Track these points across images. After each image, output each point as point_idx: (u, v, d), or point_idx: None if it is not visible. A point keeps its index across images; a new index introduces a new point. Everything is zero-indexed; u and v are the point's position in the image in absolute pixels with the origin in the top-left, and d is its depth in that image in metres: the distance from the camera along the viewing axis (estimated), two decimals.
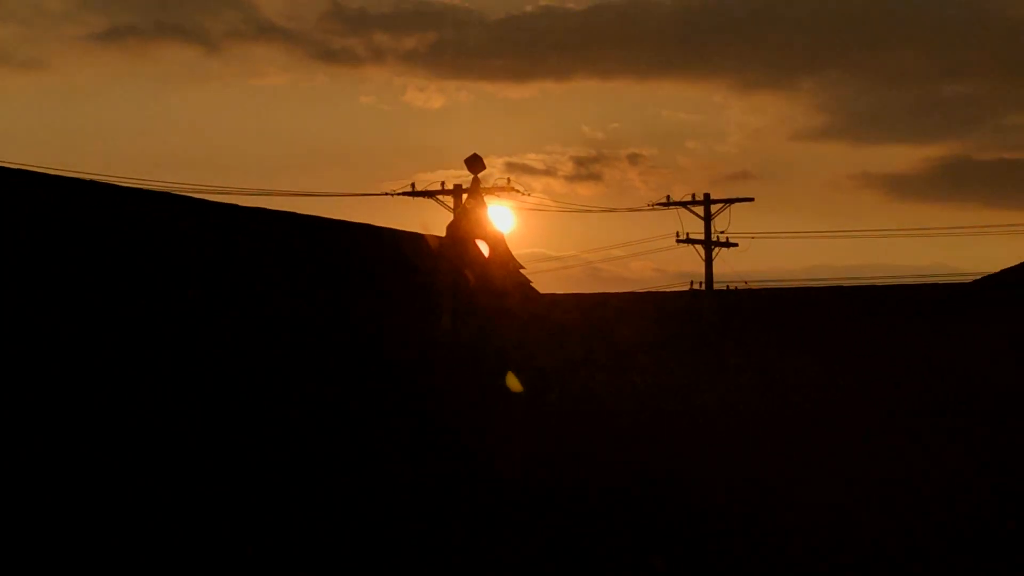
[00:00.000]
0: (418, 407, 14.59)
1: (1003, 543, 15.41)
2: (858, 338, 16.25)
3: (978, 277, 23.85)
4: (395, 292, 15.24)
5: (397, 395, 14.53)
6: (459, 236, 15.78)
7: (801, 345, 16.72)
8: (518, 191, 37.70)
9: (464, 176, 17.91)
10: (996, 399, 16.52)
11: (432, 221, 34.51)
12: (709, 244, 49.14)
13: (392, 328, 14.70)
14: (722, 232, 50.58)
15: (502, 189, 40.61)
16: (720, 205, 50.37)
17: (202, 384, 13.93)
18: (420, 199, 44.19)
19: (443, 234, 16.13)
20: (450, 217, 17.53)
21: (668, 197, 51.99)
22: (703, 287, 47.21)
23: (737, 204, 51.35)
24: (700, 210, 50.18)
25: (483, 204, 16.20)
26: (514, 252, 16.51)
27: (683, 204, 50.15)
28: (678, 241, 50.64)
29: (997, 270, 25.76)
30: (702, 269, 50.31)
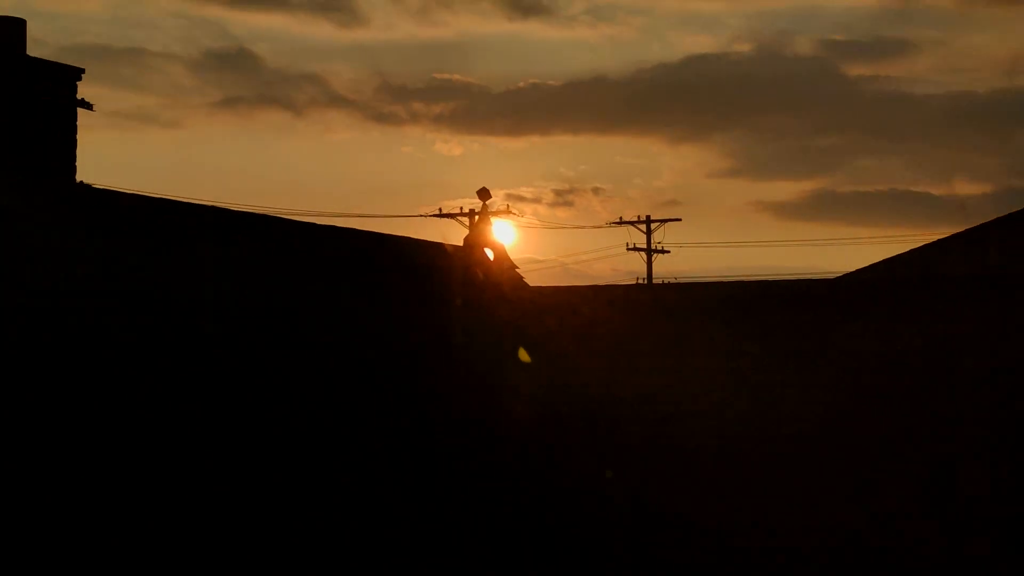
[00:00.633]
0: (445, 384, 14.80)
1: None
2: (754, 319, 15.58)
3: (840, 275, 24.73)
4: (425, 285, 15.47)
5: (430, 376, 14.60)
6: (472, 245, 16.56)
7: (711, 323, 15.72)
8: (514, 213, 40.31)
9: (476, 203, 17.93)
10: (857, 364, 15.20)
11: (454, 235, 35.73)
12: (650, 251, 52.29)
13: (421, 311, 15.02)
14: (659, 243, 54.12)
15: (503, 212, 43.35)
16: (657, 224, 54.07)
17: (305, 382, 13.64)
18: (445, 220, 47.26)
19: (461, 244, 16.94)
20: (466, 232, 18.21)
21: (620, 218, 55.61)
22: (646, 282, 49.80)
23: (669, 223, 55.14)
24: (643, 227, 53.53)
25: (489, 223, 16.97)
26: (511, 256, 17.07)
27: (631, 223, 53.92)
28: (628, 249, 54.14)
29: (854, 269, 26.81)
30: (644, 269, 53.17)
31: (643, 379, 14.93)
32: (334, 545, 12.67)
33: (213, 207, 15.10)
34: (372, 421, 14.03)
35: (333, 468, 13.32)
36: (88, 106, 14.08)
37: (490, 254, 16.49)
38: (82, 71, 14.09)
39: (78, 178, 13.92)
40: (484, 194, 16.56)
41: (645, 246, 56.34)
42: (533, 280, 17.23)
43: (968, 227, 25.28)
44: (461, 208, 49.08)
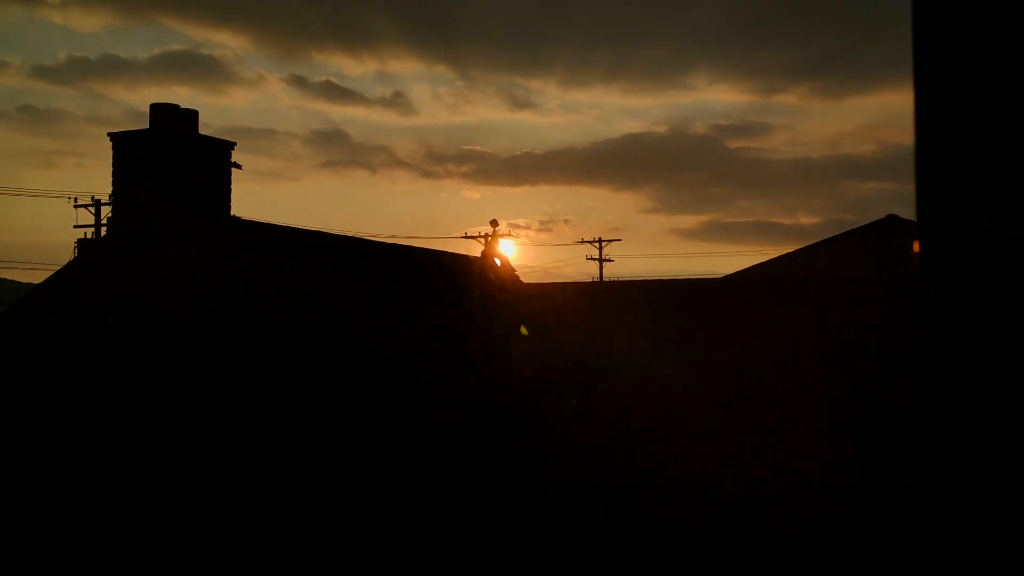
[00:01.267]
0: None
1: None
2: (669, 305, 15.14)
3: (725, 275, 24.63)
4: (457, 281, 15.27)
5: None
6: (487, 256, 16.78)
7: (641, 308, 15.07)
8: (513, 236, 41.61)
9: (488, 229, 17.89)
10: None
11: (475, 250, 35.80)
12: (601, 261, 53.02)
13: (451, 304, 14.88)
14: (607, 256, 54.54)
15: (506, 235, 44.97)
16: (606, 243, 54.62)
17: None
18: (469, 240, 48.58)
19: (479, 255, 17.10)
20: (482, 247, 18.29)
21: (582, 239, 56.26)
22: (599, 280, 50.63)
23: (614, 242, 55.99)
24: (597, 245, 54.21)
25: (497, 242, 17.58)
26: (511, 263, 17.16)
27: (589, 242, 54.67)
28: (587, 259, 54.61)
29: (733, 271, 26.99)
30: (597, 272, 53.93)
31: (598, 345, 14.66)
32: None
33: (319, 232, 15.20)
34: (425, 378, 13.27)
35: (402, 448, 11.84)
36: (238, 166, 14.13)
37: (498, 262, 16.64)
38: (234, 144, 14.16)
39: (232, 213, 14.07)
40: (494, 223, 17.15)
41: (598, 257, 57.86)
42: (526, 279, 17.29)
43: (806, 244, 25.60)
44: (479, 232, 51.64)
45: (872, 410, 12.29)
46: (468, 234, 54.77)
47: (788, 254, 25.03)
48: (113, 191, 13.48)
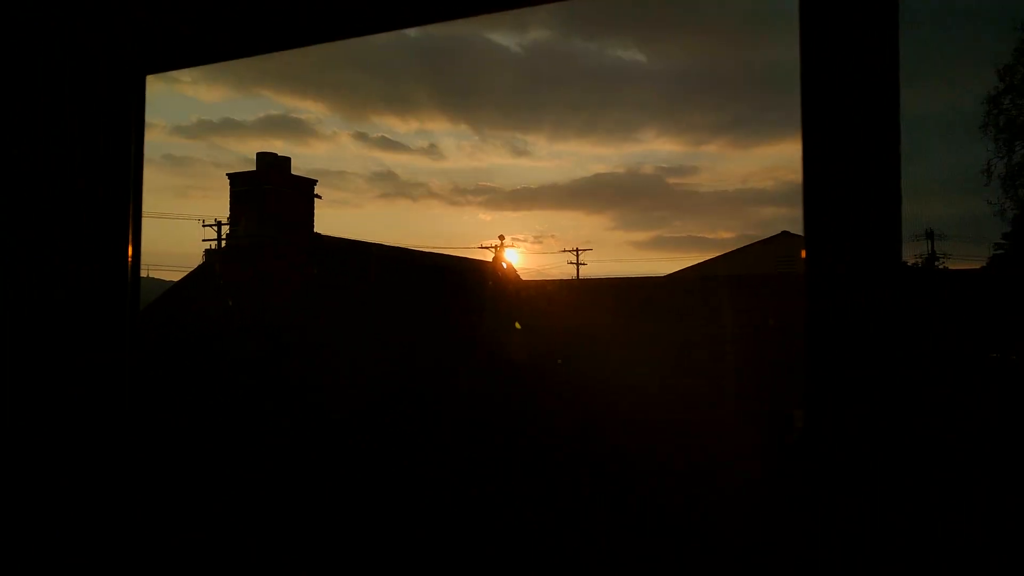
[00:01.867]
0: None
1: None
2: (626, 297, 14.53)
3: (667, 274, 24.56)
4: (476, 280, 14.87)
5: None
6: (497, 262, 16.58)
7: (606, 299, 14.66)
8: (515, 247, 40.61)
9: (497, 242, 17.21)
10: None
11: (488, 257, 35.06)
12: (578, 265, 51.94)
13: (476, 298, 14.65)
14: (582, 261, 53.79)
15: (510, 246, 44.13)
16: (581, 251, 53.64)
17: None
18: (483, 250, 47.74)
19: (491, 261, 16.78)
20: (493, 255, 18.11)
21: (564, 249, 54.75)
22: (576, 278, 49.88)
23: (586, 251, 54.72)
24: (574, 253, 53.30)
25: (503, 251, 16.92)
26: (514, 266, 16.93)
27: (569, 251, 53.24)
28: (568, 263, 53.49)
29: (674, 271, 26.88)
30: (575, 273, 53.24)
31: (576, 323, 14.24)
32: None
33: (377, 244, 14.78)
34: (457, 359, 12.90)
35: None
36: (319, 197, 13.94)
37: (505, 266, 16.56)
38: (316, 181, 13.98)
39: (315, 230, 13.86)
40: (501, 238, 16.89)
41: (576, 262, 57.87)
42: (524, 277, 17.04)
43: (725, 252, 25.53)
44: (491, 244, 51.43)
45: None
46: (482, 246, 54.75)
47: (713, 259, 24.96)
48: (230, 215, 13.47)
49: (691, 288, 15.23)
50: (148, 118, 1.64)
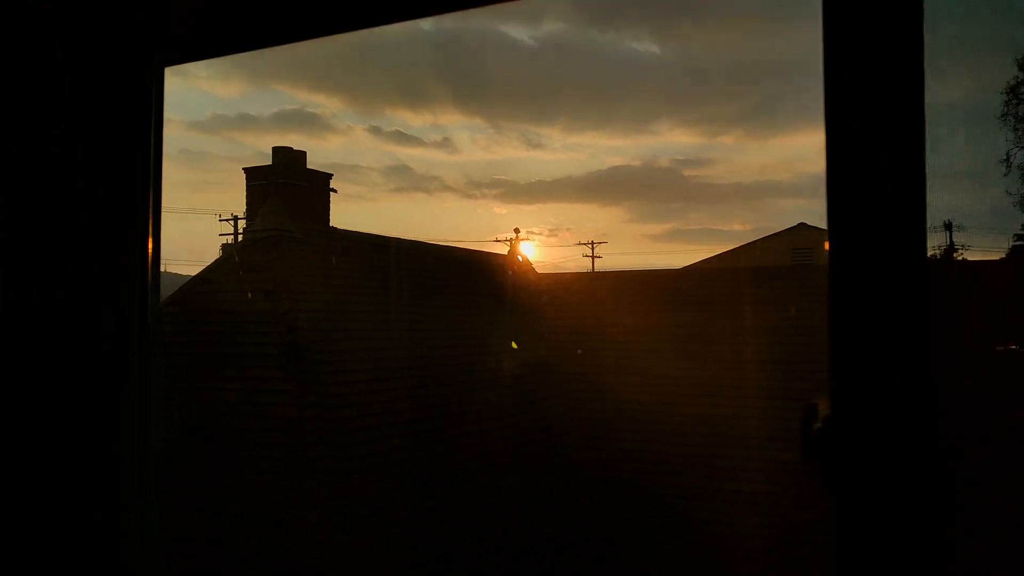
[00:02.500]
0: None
1: None
2: (642, 289, 14.55)
3: (682, 267, 24.58)
4: (493, 271, 14.65)
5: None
6: (513, 254, 16.46)
7: (621, 289, 14.57)
8: (530, 239, 40.74)
9: (513, 235, 17.08)
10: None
11: (503, 250, 35.07)
12: (593, 258, 51.96)
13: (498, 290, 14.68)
14: (598, 254, 53.90)
15: (525, 239, 44.18)
16: (596, 244, 53.86)
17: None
18: (499, 243, 48.10)
19: (507, 253, 16.62)
20: (509, 248, 17.98)
21: (579, 242, 55.03)
22: (592, 271, 50.12)
23: (602, 244, 54.52)
24: (590, 246, 53.41)
25: (519, 244, 17.03)
26: (529, 259, 16.41)
27: (584, 244, 53.53)
28: (583, 256, 53.34)
29: (690, 264, 26.91)
30: (590, 266, 53.29)
31: (592, 314, 14.34)
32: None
33: (391, 237, 14.72)
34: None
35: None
36: (334, 191, 13.98)
37: (520, 258, 16.35)
38: (331, 175, 13.92)
39: (330, 224, 13.81)
40: (516, 231, 16.88)
41: (591, 255, 57.84)
42: (541, 270, 16.95)
43: (742, 244, 25.41)
44: (506, 238, 51.93)
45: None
46: (497, 239, 55.22)
47: (730, 251, 24.90)
48: (247, 209, 13.51)
49: (712, 279, 14.70)
50: (164, 113, 1.61)
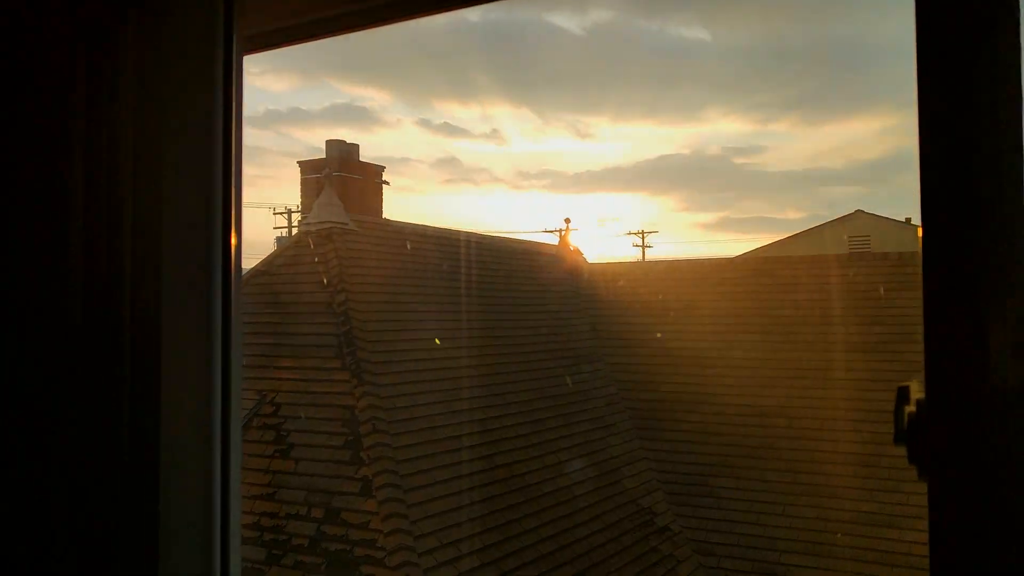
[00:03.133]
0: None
1: None
2: (692, 277, 14.63)
3: (736, 256, 24.17)
4: (546, 260, 14.62)
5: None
6: (563, 244, 16.23)
7: (670, 278, 14.80)
8: (579, 229, 41.05)
9: (563, 225, 16.54)
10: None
11: (553, 240, 34.41)
12: (643, 247, 50.78)
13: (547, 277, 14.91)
14: (648, 244, 52.80)
15: (575, 229, 43.68)
16: (647, 233, 53.00)
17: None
18: (551, 234, 47.93)
19: (558, 243, 16.40)
20: (560, 238, 17.74)
21: (630, 231, 53.69)
22: (642, 260, 49.41)
23: (652, 233, 53.56)
24: (640, 235, 52.43)
25: (568, 235, 16.45)
26: (579, 249, 16.28)
27: (635, 233, 52.46)
28: (633, 246, 52.51)
29: (741, 253, 26.37)
30: (641, 255, 52.50)
31: (643, 296, 14.33)
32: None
33: (445, 228, 14.79)
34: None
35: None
36: (386, 183, 14.23)
37: (572, 248, 16.24)
38: (383, 167, 14.07)
39: (383, 215, 13.91)
40: (567, 222, 16.38)
41: (641, 244, 57.15)
42: (590, 261, 16.87)
43: (796, 232, 25.03)
44: (557, 228, 51.44)
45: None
46: (547, 230, 54.87)
47: (784, 239, 24.52)
48: (301, 201, 13.74)
49: (761, 270, 14.30)
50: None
